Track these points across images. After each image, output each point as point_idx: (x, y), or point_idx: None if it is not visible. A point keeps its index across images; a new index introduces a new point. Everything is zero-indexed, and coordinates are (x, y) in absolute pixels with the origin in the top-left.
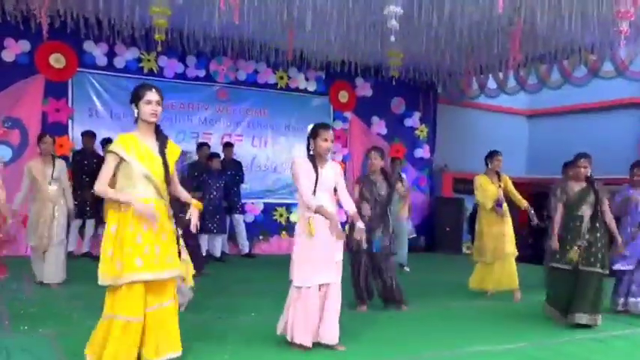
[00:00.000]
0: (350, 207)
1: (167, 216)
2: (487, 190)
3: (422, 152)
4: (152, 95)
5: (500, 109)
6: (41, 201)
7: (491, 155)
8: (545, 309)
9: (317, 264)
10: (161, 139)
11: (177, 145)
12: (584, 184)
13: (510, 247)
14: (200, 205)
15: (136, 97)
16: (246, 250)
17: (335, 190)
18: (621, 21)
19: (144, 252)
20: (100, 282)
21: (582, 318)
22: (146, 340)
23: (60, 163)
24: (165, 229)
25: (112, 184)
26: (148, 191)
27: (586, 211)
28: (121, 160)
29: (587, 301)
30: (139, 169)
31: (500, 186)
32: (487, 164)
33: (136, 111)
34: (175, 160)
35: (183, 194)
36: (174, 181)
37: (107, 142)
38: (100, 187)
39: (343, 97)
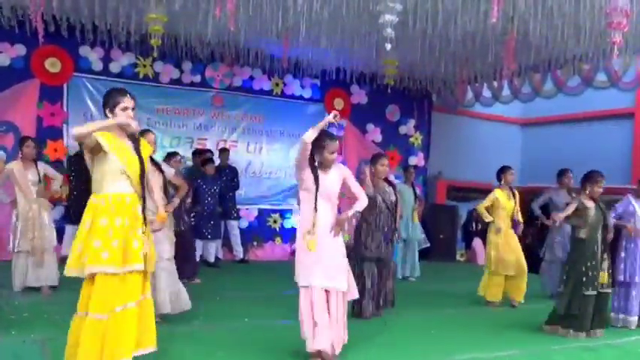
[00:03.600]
0: (359, 206)
1: (140, 212)
2: (505, 207)
3: (416, 160)
4: (128, 101)
5: (494, 117)
6: (26, 204)
7: (504, 170)
8: (568, 334)
9: (317, 267)
10: (133, 138)
11: (173, 150)
12: (594, 206)
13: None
14: (164, 217)
15: (111, 103)
16: (241, 256)
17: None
18: (614, 32)
19: (112, 245)
20: (65, 273)
21: (603, 332)
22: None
23: (42, 166)
24: (140, 225)
25: (88, 181)
26: (124, 187)
27: (599, 234)
28: (98, 151)
29: (607, 316)
30: (116, 164)
31: (515, 202)
32: (500, 179)
33: (110, 116)
34: (148, 157)
35: (157, 199)
36: (151, 183)
37: None
38: (79, 128)
39: (338, 104)
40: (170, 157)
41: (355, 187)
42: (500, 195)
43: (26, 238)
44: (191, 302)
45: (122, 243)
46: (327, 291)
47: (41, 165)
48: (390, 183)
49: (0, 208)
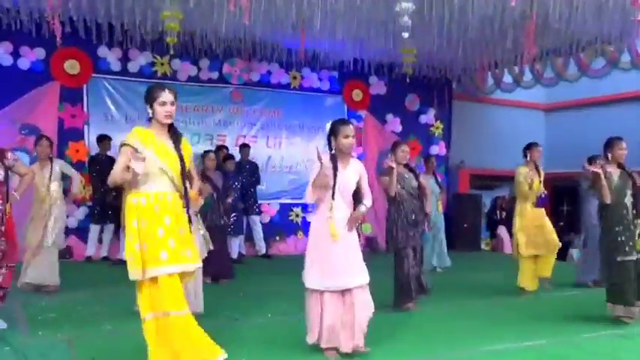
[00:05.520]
0: (368, 202)
1: (184, 211)
2: (531, 185)
3: (437, 149)
4: (166, 96)
5: (516, 103)
6: (38, 202)
7: (530, 147)
8: (617, 310)
9: (335, 267)
10: (175, 136)
11: (192, 147)
12: (619, 171)
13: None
14: (195, 195)
15: (150, 98)
16: (263, 251)
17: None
18: (638, 11)
19: (169, 245)
20: (130, 277)
21: None
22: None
23: (58, 163)
24: (183, 224)
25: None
26: (165, 186)
27: (628, 198)
28: (136, 152)
29: None
30: (155, 162)
31: (541, 181)
32: (525, 156)
33: (150, 111)
34: (190, 158)
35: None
36: (193, 178)
37: (102, 138)
38: (110, 178)
39: (357, 95)
40: (205, 155)
41: (365, 187)
42: (525, 172)
43: (36, 234)
44: (215, 299)
45: (178, 242)
46: (343, 291)
47: (58, 162)
48: (411, 169)
49: (23, 213)
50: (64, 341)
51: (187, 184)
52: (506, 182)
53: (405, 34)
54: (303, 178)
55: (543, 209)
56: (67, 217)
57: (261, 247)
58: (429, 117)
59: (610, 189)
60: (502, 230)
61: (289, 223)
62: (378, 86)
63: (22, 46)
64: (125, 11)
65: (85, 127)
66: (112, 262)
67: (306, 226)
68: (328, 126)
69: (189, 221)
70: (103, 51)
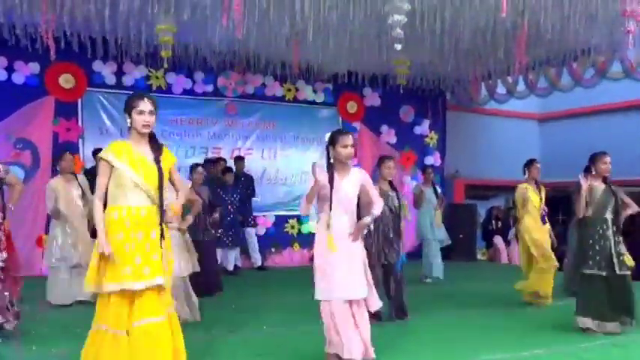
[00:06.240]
0: (377, 211)
1: (158, 224)
2: (532, 200)
3: (432, 159)
4: (144, 105)
5: (510, 113)
6: (78, 219)
7: (529, 164)
8: (579, 322)
9: (337, 278)
10: (155, 146)
11: (187, 160)
12: (603, 186)
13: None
14: (175, 210)
15: (128, 107)
16: (259, 263)
17: (358, 199)
18: (628, 20)
19: (134, 262)
20: (84, 288)
21: (627, 322)
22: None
23: (82, 179)
24: (151, 239)
25: (105, 193)
26: (140, 199)
27: (609, 214)
28: (113, 167)
29: (632, 305)
30: (129, 176)
31: (541, 198)
32: (525, 173)
33: (128, 120)
34: (171, 168)
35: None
36: (182, 187)
37: (98, 152)
38: (95, 201)
39: (352, 107)
40: (193, 169)
41: (374, 193)
42: (526, 189)
43: (75, 250)
44: (211, 311)
45: (143, 258)
46: (349, 301)
47: (80, 177)
48: (395, 188)
49: (20, 226)
50: (57, 356)
51: (169, 196)
52: (501, 192)
53: (398, 46)
54: (298, 189)
55: (549, 227)
56: None
57: (257, 259)
58: (423, 128)
59: (592, 203)
60: (498, 240)
61: (285, 235)
62: (372, 98)
63: (17, 61)
64: (119, 25)
65: (80, 140)
66: None
67: (301, 238)
68: (327, 136)
69: (162, 236)
70: (97, 65)
